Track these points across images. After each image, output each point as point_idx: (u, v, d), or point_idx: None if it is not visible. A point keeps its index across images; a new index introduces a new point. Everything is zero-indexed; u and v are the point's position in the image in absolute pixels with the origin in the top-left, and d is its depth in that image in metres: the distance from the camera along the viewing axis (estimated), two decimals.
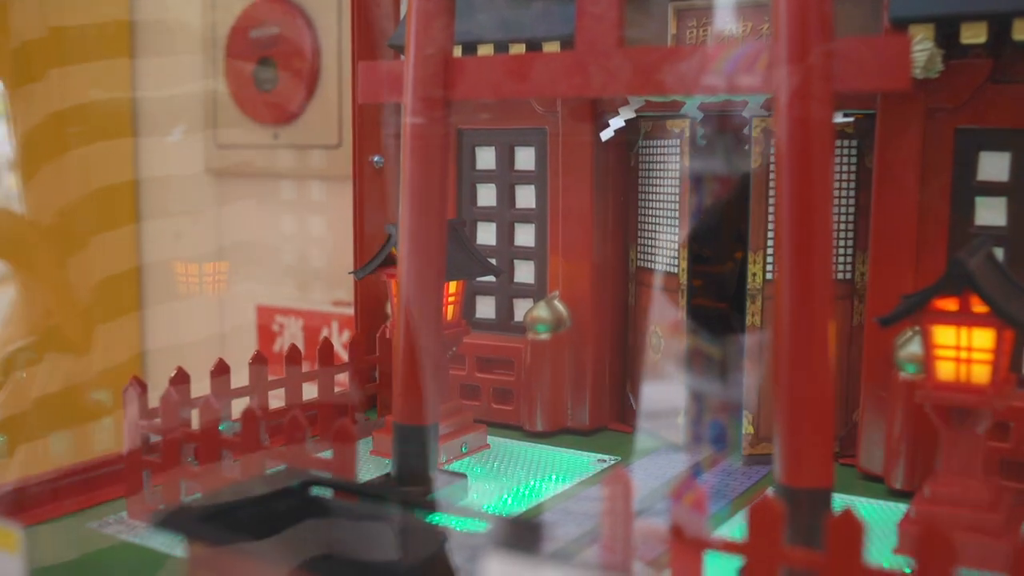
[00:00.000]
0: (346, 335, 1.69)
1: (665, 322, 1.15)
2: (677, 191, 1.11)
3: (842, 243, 1.08)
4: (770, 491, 0.72)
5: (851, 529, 0.60)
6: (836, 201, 1.05)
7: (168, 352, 1.94)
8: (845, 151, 1.06)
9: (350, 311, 1.47)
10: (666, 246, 1.14)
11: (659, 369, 1.15)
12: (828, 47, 0.72)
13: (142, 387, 0.92)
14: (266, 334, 1.83)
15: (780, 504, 0.63)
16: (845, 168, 1.07)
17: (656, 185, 1.15)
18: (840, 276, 1.07)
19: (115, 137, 1.92)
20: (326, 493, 0.74)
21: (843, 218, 1.07)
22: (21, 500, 0.91)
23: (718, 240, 1.24)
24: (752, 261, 1.09)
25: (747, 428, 1.08)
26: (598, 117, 1.15)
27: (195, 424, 0.91)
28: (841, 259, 1.07)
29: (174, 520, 0.71)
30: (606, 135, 1.12)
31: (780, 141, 0.74)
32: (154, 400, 0.92)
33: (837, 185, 1.06)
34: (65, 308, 1.84)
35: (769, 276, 1.08)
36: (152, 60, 1.94)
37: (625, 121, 1.12)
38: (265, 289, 1.83)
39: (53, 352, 1.75)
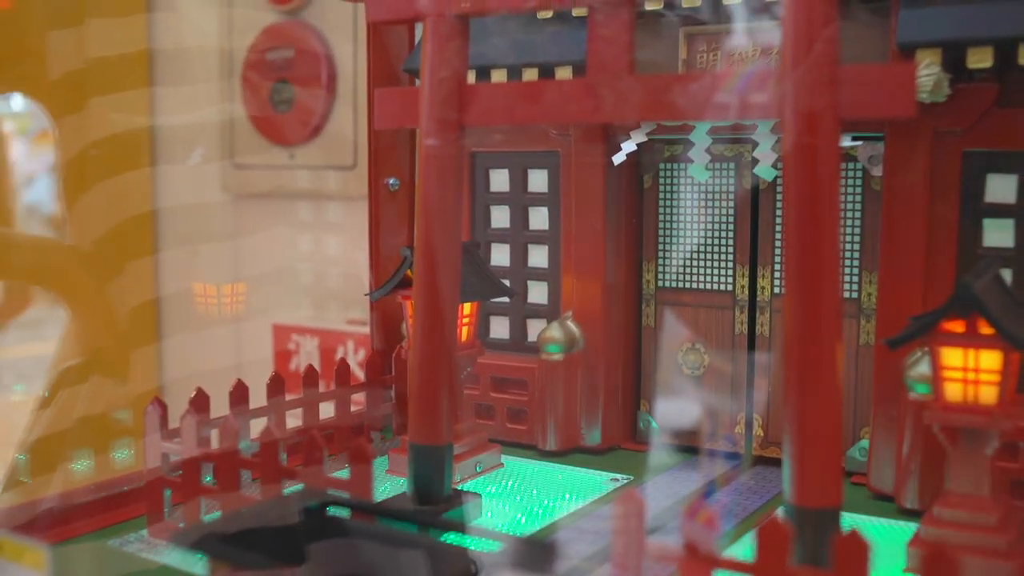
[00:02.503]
0: (361, 354, 1.71)
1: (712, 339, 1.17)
2: (732, 211, 1.14)
3: (848, 263, 1.09)
4: (779, 511, 0.73)
5: (858, 549, 0.61)
6: (842, 222, 1.07)
7: (186, 372, 1.96)
8: (850, 173, 1.08)
9: (365, 330, 1.49)
10: (716, 264, 1.16)
11: (697, 385, 1.18)
12: (833, 74, 0.73)
13: (163, 407, 0.94)
14: (282, 353, 1.85)
15: (788, 524, 0.64)
16: (851, 190, 1.08)
17: (693, 206, 1.18)
18: (846, 296, 1.08)
19: (140, 165, 1.96)
20: (343, 513, 0.75)
21: (850, 239, 1.08)
22: (44, 519, 0.93)
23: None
24: (761, 276, 1.11)
25: (757, 431, 1.10)
26: (610, 140, 1.17)
27: (215, 444, 0.93)
28: (847, 279, 1.09)
29: (195, 539, 0.73)
30: (618, 159, 1.14)
31: (788, 165, 0.75)
32: (174, 420, 0.94)
33: (843, 207, 1.07)
34: (107, 333, 1.87)
35: (777, 290, 1.10)
36: (171, 87, 1.96)
37: (637, 145, 1.13)
38: (281, 308, 1.85)
39: (98, 376, 1.78)
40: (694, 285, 1.19)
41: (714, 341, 1.18)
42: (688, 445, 1.18)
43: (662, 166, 1.20)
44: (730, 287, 1.17)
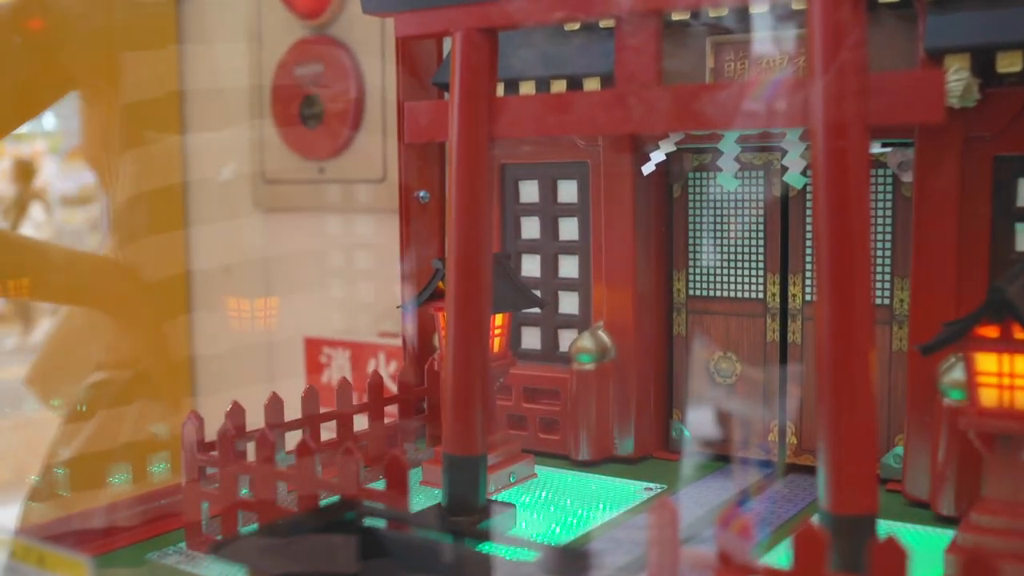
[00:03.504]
0: (393, 366, 1.72)
1: (743, 347, 1.17)
2: (762, 219, 1.15)
3: (880, 269, 1.09)
4: (814, 518, 0.73)
5: (896, 556, 0.61)
6: (873, 228, 1.07)
7: (219, 381, 1.98)
8: (881, 179, 1.08)
9: (397, 342, 1.49)
10: (747, 272, 1.16)
11: (729, 394, 1.18)
12: (862, 81, 0.73)
13: (199, 420, 0.95)
14: (314, 365, 1.86)
15: (825, 532, 0.64)
16: (881, 196, 1.08)
17: (722, 214, 1.18)
18: (878, 302, 1.08)
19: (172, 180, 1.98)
20: (379, 524, 0.76)
21: (881, 245, 1.08)
22: (84, 531, 0.94)
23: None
24: (792, 283, 1.11)
25: (790, 439, 1.09)
26: (638, 150, 1.17)
27: (251, 456, 0.94)
28: (879, 285, 1.09)
29: (233, 550, 0.74)
30: (647, 169, 1.14)
31: (818, 173, 0.75)
32: (211, 433, 0.95)
33: (873, 213, 1.07)
34: (152, 349, 1.90)
35: (808, 297, 1.10)
36: (201, 103, 1.99)
37: (667, 154, 1.14)
38: (312, 322, 1.86)
39: (144, 398, 1.81)
40: (725, 293, 1.19)
41: (745, 349, 1.18)
42: (721, 454, 1.18)
43: (691, 175, 1.20)
44: (761, 295, 1.17)
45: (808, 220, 1.12)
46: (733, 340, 1.19)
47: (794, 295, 1.14)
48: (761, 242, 1.16)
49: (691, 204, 1.21)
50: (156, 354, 1.90)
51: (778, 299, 1.15)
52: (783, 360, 1.15)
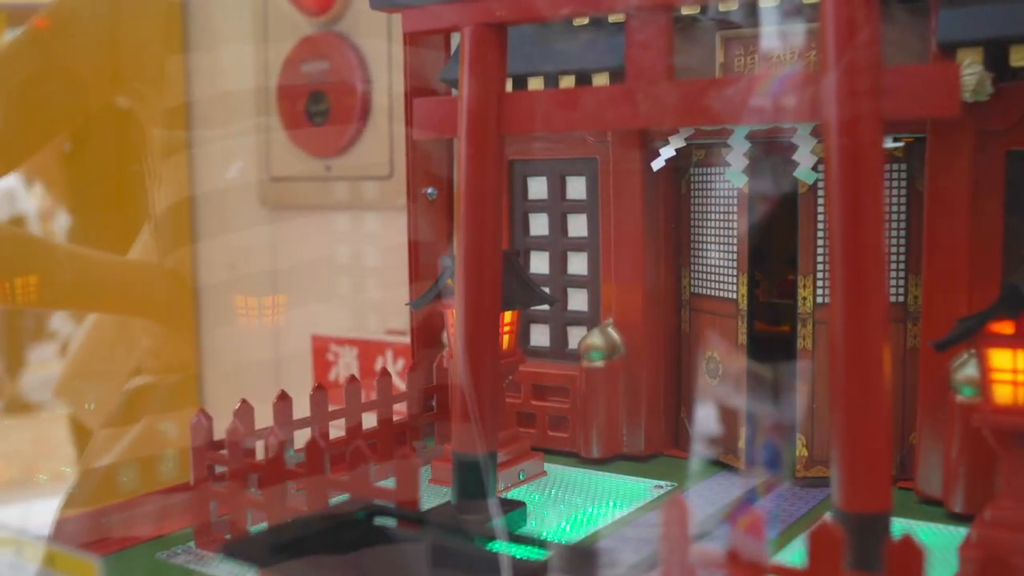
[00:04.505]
0: (400, 363, 1.71)
1: (720, 347, 1.16)
2: (734, 216, 1.13)
3: (894, 266, 1.08)
4: (828, 516, 0.73)
5: (912, 554, 0.61)
6: (887, 224, 1.06)
7: (227, 380, 1.98)
8: (895, 174, 1.07)
9: (405, 339, 1.49)
10: (726, 271, 1.15)
11: (715, 394, 1.16)
12: (876, 76, 0.73)
13: (208, 419, 0.95)
14: (322, 363, 1.86)
15: (840, 529, 0.63)
16: (896, 191, 1.07)
17: (716, 211, 1.17)
18: (893, 299, 1.07)
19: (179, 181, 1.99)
20: (390, 522, 0.75)
21: (895, 241, 1.07)
22: (93, 530, 0.94)
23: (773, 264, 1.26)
24: (802, 285, 1.10)
25: (800, 451, 1.08)
26: (648, 146, 1.17)
27: (260, 454, 0.94)
28: (893, 282, 1.08)
29: (242, 549, 0.73)
30: (657, 164, 1.14)
31: (831, 168, 0.75)
32: (219, 432, 0.95)
33: (888, 208, 1.06)
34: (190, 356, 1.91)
35: (819, 300, 1.08)
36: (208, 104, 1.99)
37: (676, 150, 1.13)
38: (320, 319, 1.86)
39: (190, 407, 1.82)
40: (712, 292, 1.17)
41: (723, 350, 1.16)
42: (726, 456, 1.17)
43: (692, 170, 1.19)
44: (734, 295, 1.13)
45: (820, 217, 1.11)
46: (715, 341, 1.17)
47: (804, 298, 1.12)
48: (735, 241, 1.14)
49: (692, 200, 1.20)
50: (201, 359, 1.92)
51: (747, 300, 1.13)
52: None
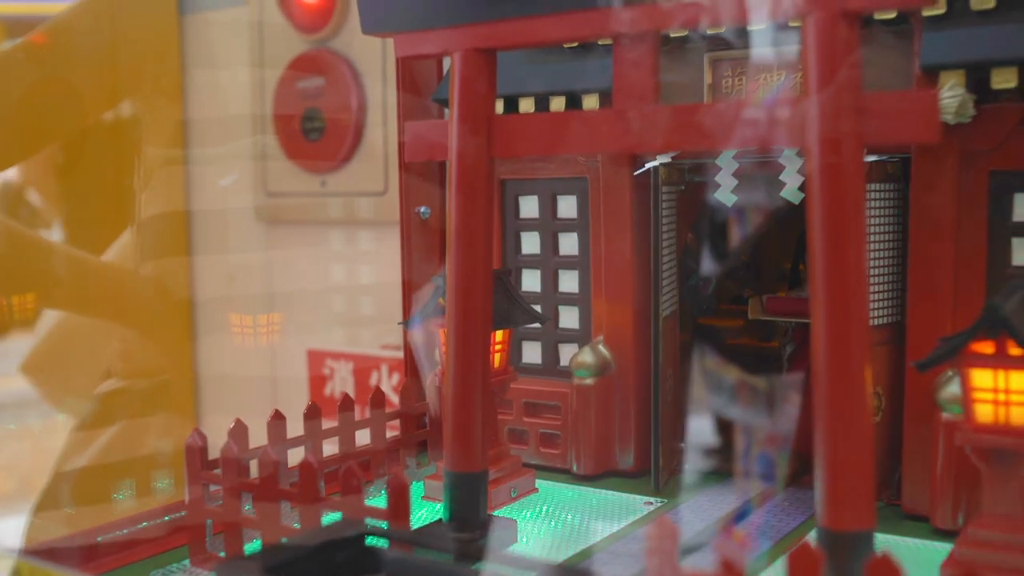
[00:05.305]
0: (395, 378, 1.72)
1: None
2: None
3: (891, 285, 1.08)
4: (811, 535, 0.74)
5: (891, 572, 0.62)
6: (881, 244, 1.06)
7: (223, 392, 1.99)
8: (889, 194, 1.07)
9: (399, 354, 1.50)
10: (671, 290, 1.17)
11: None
12: (857, 101, 0.74)
13: (203, 438, 0.96)
14: (317, 378, 1.87)
15: (819, 549, 0.64)
16: (889, 211, 1.07)
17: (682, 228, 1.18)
18: (888, 320, 1.08)
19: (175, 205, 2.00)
20: (381, 543, 0.76)
21: (890, 262, 1.08)
22: (88, 551, 0.95)
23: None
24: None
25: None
26: (636, 165, 1.18)
27: (254, 474, 0.95)
28: (890, 301, 1.08)
29: (237, 568, 0.74)
30: (639, 172, 1.15)
31: (812, 191, 0.76)
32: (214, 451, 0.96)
33: (882, 228, 1.07)
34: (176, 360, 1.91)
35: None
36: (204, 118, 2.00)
37: (663, 166, 1.14)
38: (315, 334, 1.87)
39: (163, 412, 1.82)
40: (669, 310, 1.18)
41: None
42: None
43: (666, 189, 1.20)
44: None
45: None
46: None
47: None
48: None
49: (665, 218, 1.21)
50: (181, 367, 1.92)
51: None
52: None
